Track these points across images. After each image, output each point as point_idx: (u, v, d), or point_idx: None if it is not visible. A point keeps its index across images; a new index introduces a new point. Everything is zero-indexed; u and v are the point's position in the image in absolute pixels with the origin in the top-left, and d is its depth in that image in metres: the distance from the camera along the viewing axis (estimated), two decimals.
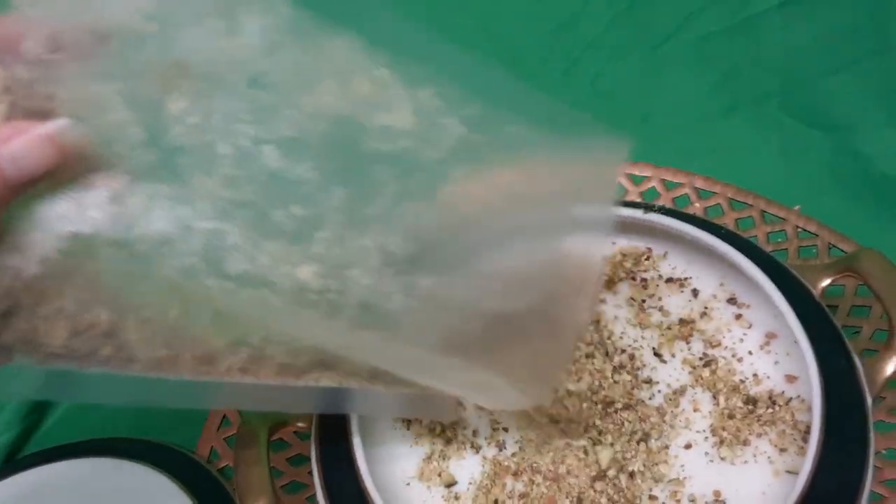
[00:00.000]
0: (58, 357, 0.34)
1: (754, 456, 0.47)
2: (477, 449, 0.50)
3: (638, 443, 0.48)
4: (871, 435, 0.46)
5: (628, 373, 0.51)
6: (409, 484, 0.50)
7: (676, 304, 0.55)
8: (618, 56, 0.81)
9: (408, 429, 0.52)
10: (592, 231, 0.45)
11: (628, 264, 0.56)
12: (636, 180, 0.70)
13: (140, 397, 0.38)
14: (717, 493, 0.46)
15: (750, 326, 0.52)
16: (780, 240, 0.65)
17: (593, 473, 0.47)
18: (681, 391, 0.50)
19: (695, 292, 0.55)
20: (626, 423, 0.49)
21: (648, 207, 0.55)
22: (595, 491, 0.46)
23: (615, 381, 0.51)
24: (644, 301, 0.55)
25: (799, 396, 0.49)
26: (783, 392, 0.49)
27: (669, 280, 0.56)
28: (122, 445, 0.62)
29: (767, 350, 0.51)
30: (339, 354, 0.38)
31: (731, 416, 0.48)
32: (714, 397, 0.50)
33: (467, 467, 0.50)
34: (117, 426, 0.66)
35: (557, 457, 0.48)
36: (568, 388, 0.51)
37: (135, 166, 0.31)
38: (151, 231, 0.30)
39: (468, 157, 0.39)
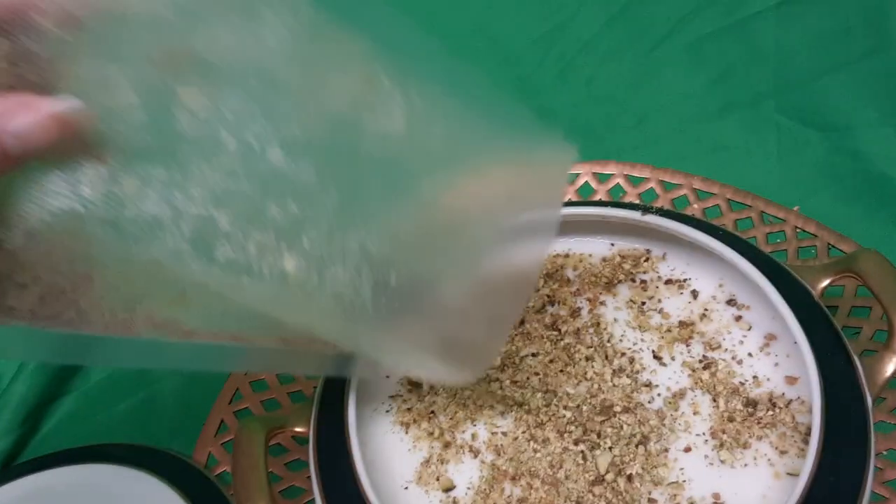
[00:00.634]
0: (20, 319, 0.34)
1: (754, 459, 0.47)
2: (475, 453, 0.50)
3: (637, 446, 0.48)
4: (872, 436, 0.46)
5: (628, 376, 0.51)
6: (407, 488, 0.49)
7: (676, 306, 0.54)
8: (612, 58, 0.81)
9: (406, 432, 0.51)
10: (538, 233, 0.47)
11: (627, 266, 0.56)
12: (634, 182, 0.70)
13: (145, 360, 0.39)
14: (716, 497, 0.46)
15: (750, 328, 0.52)
16: (779, 240, 0.65)
17: (592, 478, 0.47)
18: (680, 394, 0.50)
19: (694, 294, 0.55)
20: (625, 427, 0.49)
21: (647, 209, 0.55)
22: (594, 495, 0.46)
23: (614, 385, 0.51)
24: (644, 303, 0.55)
25: (799, 398, 0.48)
26: (783, 394, 0.49)
27: (669, 281, 0.56)
28: (120, 451, 0.62)
29: (767, 352, 0.51)
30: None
31: (731, 419, 0.48)
32: (714, 400, 0.50)
33: (465, 472, 0.49)
34: (114, 432, 0.66)
35: (556, 461, 0.48)
36: (567, 392, 0.51)
37: (134, 149, 0.31)
38: (143, 212, 0.31)
39: (445, 164, 0.40)
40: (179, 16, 0.32)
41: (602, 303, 0.56)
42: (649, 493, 0.47)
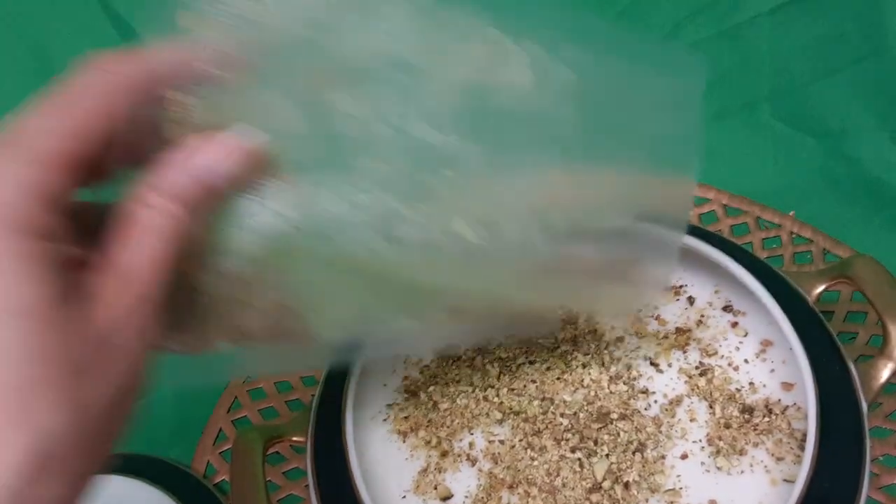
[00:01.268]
0: (251, 341, 0.37)
1: (751, 465, 0.47)
2: (473, 462, 0.50)
3: (633, 453, 0.48)
4: (868, 441, 0.47)
5: (625, 383, 0.51)
6: (405, 497, 0.49)
7: (673, 313, 0.55)
8: None
9: (404, 441, 0.52)
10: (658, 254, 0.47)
11: None
12: None
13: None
14: (713, 503, 0.46)
15: (746, 335, 0.52)
16: (774, 246, 0.65)
17: (589, 485, 0.47)
18: (677, 401, 0.50)
19: (691, 300, 0.55)
20: (621, 434, 0.49)
21: None
22: (591, 503, 0.46)
23: (611, 392, 0.51)
24: (640, 310, 0.55)
25: (795, 404, 0.49)
26: (779, 400, 0.49)
27: (665, 288, 0.56)
28: (118, 461, 0.61)
29: (763, 358, 0.51)
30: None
31: (727, 426, 0.48)
32: (710, 406, 0.50)
33: (463, 480, 0.50)
34: None
35: (553, 469, 0.48)
36: (564, 399, 0.51)
37: (305, 159, 0.33)
38: (329, 214, 0.33)
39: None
40: (319, 32, 0.34)
41: None
42: (646, 500, 0.47)
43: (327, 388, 0.53)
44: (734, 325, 0.53)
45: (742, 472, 0.47)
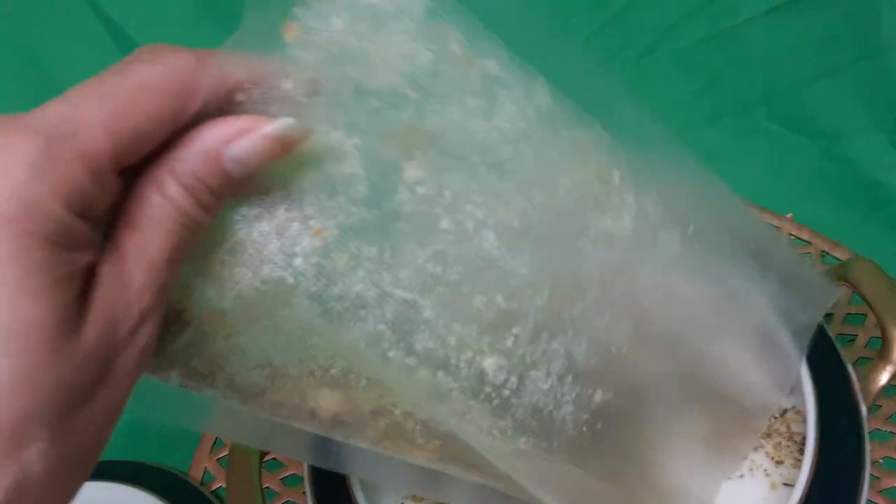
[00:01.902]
0: (213, 388, 0.33)
1: (751, 469, 0.47)
2: None
3: None
4: (867, 444, 0.46)
5: None
6: (403, 503, 0.49)
7: None
8: (602, 66, 0.81)
9: None
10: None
11: None
12: None
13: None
14: None
15: None
16: None
17: None
18: None
19: None
20: None
21: None
22: None
23: None
24: None
25: (794, 408, 0.48)
26: (779, 403, 0.49)
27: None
28: (115, 468, 0.62)
29: None
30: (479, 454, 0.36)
31: None
32: None
33: None
34: (109, 449, 0.64)
35: None
36: None
37: (350, 222, 0.30)
38: (350, 292, 0.30)
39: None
40: (417, 92, 0.31)
41: None
42: None
43: None
44: None
45: (742, 476, 0.47)
